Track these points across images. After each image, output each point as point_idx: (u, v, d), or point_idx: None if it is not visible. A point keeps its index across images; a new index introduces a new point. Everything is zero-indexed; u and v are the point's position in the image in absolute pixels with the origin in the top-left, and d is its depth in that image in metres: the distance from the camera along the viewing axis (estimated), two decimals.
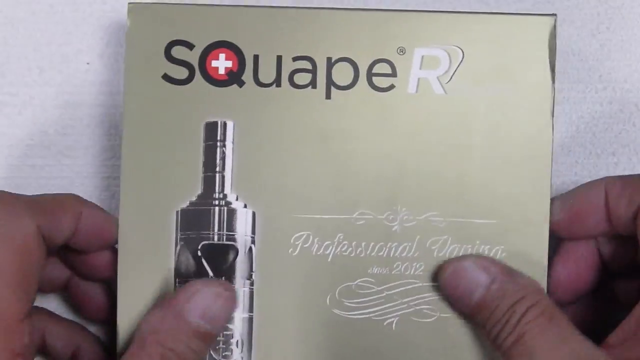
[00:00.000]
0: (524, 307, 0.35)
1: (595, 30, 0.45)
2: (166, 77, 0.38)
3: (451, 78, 0.38)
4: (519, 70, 0.38)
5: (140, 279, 0.38)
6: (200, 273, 0.38)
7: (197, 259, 0.38)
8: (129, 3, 0.38)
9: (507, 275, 0.37)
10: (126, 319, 0.38)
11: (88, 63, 0.43)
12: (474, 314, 0.37)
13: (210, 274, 0.38)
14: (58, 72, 0.44)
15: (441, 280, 0.38)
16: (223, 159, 0.38)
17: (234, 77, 0.38)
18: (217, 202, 0.38)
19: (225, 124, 0.38)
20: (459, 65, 0.38)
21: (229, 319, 0.37)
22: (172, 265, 0.38)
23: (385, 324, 0.39)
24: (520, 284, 0.36)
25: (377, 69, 0.38)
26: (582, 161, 0.43)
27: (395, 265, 0.39)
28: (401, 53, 0.38)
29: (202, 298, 0.35)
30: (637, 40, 0.45)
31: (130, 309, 0.38)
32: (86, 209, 0.38)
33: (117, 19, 0.43)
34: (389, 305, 0.39)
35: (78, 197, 0.38)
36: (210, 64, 0.38)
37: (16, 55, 0.44)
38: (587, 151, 0.44)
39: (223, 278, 0.38)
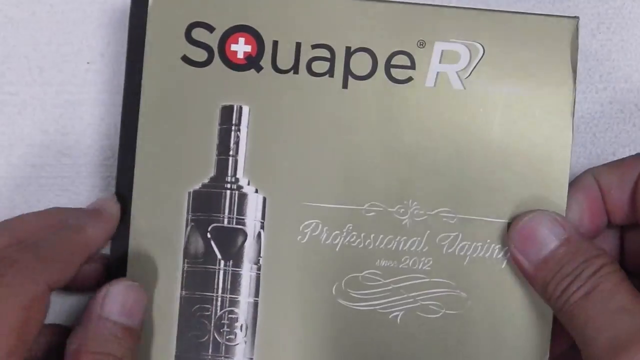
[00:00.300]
0: (598, 264, 0.35)
1: (596, 30, 0.44)
2: (185, 59, 0.38)
3: (470, 73, 0.38)
4: (539, 69, 0.38)
5: (150, 258, 0.38)
6: (209, 255, 0.38)
7: (206, 241, 0.38)
8: None
9: (582, 235, 0.37)
10: None
11: (88, 62, 0.43)
12: (539, 268, 0.37)
13: (219, 256, 0.38)
14: (58, 72, 0.44)
15: (514, 229, 0.38)
16: (237, 142, 0.38)
17: (252, 62, 0.38)
18: (228, 186, 0.38)
19: (240, 108, 0.38)
20: (479, 61, 0.38)
21: (144, 309, 0.37)
22: (182, 246, 0.38)
23: (390, 317, 0.38)
24: (594, 245, 0.36)
25: (395, 60, 0.38)
26: (583, 161, 0.43)
27: (403, 259, 0.38)
28: (421, 46, 0.38)
29: (115, 297, 0.36)
30: (637, 40, 0.44)
31: None
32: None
33: (118, 18, 0.43)
34: (394, 298, 0.38)
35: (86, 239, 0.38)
36: (230, 47, 0.38)
37: (16, 55, 0.44)
38: (587, 151, 0.43)
39: (231, 262, 0.38)
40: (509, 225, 0.38)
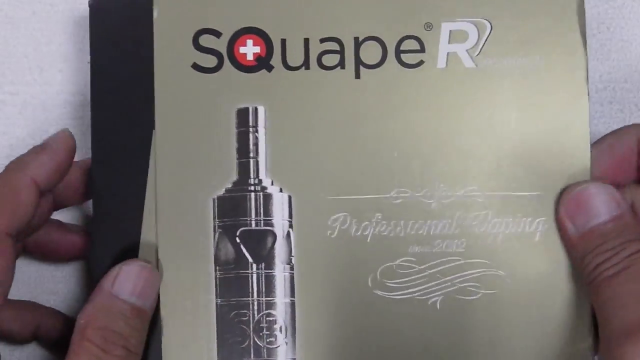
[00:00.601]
0: (638, 246, 0.35)
1: (596, 30, 0.44)
2: (195, 66, 0.38)
3: (480, 50, 0.38)
4: (549, 38, 0.38)
5: (180, 269, 0.38)
6: (240, 259, 0.38)
7: (236, 246, 0.38)
8: None
9: (633, 215, 0.37)
10: (170, 309, 0.38)
11: (89, 62, 0.43)
12: (583, 237, 0.36)
13: (250, 260, 0.38)
14: (59, 72, 0.44)
15: (569, 194, 0.37)
16: (256, 144, 0.38)
17: (262, 62, 0.38)
18: (252, 188, 0.38)
19: (256, 110, 0.38)
20: (487, 38, 0.38)
21: (157, 292, 0.37)
22: (212, 253, 0.38)
23: (429, 303, 0.38)
24: None
25: (405, 45, 0.38)
26: None
27: (435, 243, 0.38)
28: (428, 29, 0.38)
29: (127, 276, 0.36)
30: (637, 40, 0.44)
31: (172, 298, 0.38)
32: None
33: None
34: (432, 284, 0.38)
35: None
36: (239, 50, 0.38)
37: (17, 55, 0.44)
38: None
39: (263, 264, 0.38)
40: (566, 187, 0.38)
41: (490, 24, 0.38)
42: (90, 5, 0.39)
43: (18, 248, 0.39)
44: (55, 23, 0.44)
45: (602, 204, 0.37)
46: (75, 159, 0.39)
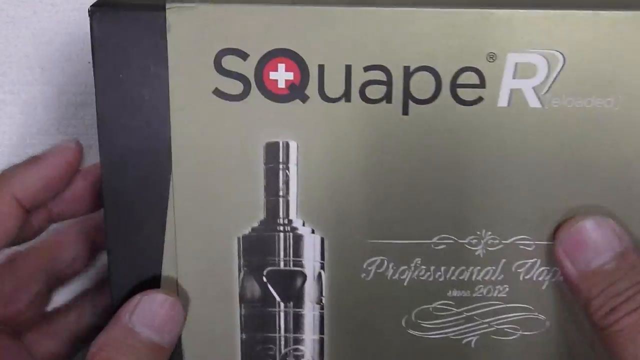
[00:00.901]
0: None
1: None
2: (218, 92, 0.33)
3: (549, 88, 0.33)
4: (633, 77, 0.33)
5: (203, 307, 0.36)
6: (267, 298, 0.36)
7: (263, 285, 0.36)
8: (168, 4, 0.32)
9: (638, 250, 0.34)
10: (192, 345, 0.36)
11: (89, 62, 0.39)
12: (585, 279, 0.34)
13: (277, 298, 0.36)
14: (60, 71, 0.42)
15: (566, 229, 0.34)
16: (287, 182, 0.34)
17: (296, 91, 0.33)
18: (281, 228, 0.35)
19: (288, 145, 0.34)
20: (559, 73, 0.33)
21: (178, 328, 0.35)
22: (236, 292, 0.36)
23: (464, 342, 0.36)
24: None
25: (462, 79, 0.33)
26: None
27: (477, 288, 0.36)
28: (491, 60, 0.33)
29: (146, 307, 0.34)
30: None
31: (195, 336, 0.36)
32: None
33: None
34: (468, 325, 0.36)
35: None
36: (268, 76, 0.33)
37: (18, 54, 0.42)
38: None
39: (291, 303, 0.36)
40: (562, 223, 0.35)
41: (564, 57, 0.32)
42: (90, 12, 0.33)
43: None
44: (56, 23, 0.42)
45: (602, 241, 0.33)
46: None
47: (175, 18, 0.32)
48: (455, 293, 0.36)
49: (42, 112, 0.43)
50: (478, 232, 0.35)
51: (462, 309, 0.36)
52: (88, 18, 0.33)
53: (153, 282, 0.36)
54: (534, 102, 0.33)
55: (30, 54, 0.42)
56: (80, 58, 0.42)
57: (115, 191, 0.34)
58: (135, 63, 0.33)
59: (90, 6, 0.32)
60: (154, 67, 0.33)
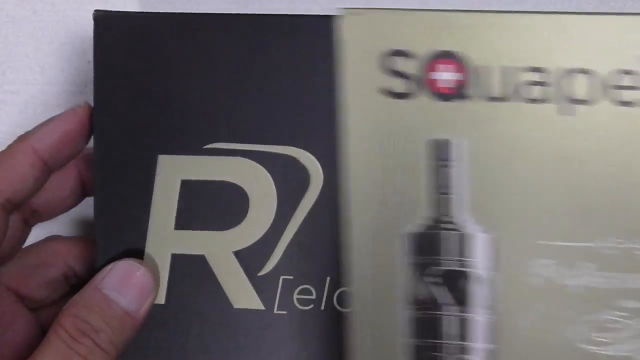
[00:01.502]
0: None
1: None
2: (383, 91, 0.35)
3: None
4: None
5: (371, 306, 0.35)
6: (436, 300, 0.35)
7: (433, 286, 0.35)
8: (343, 9, 0.35)
9: None
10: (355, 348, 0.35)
11: (90, 62, 0.41)
12: None
13: (448, 301, 0.35)
14: (60, 71, 0.43)
15: None
16: (456, 179, 0.35)
17: (459, 91, 0.35)
18: (452, 226, 0.35)
19: (456, 143, 0.35)
20: None
21: (148, 297, 0.36)
22: (402, 291, 0.35)
23: None
24: None
25: (622, 80, 0.35)
26: None
27: None
28: None
29: (118, 272, 0.36)
30: None
31: (357, 336, 0.35)
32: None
33: None
34: None
35: None
36: (433, 76, 0.35)
37: (18, 54, 0.43)
38: None
39: (461, 307, 0.35)
40: None
41: None
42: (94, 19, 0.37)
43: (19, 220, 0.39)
44: (56, 22, 0.43)
45: None
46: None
47: (349, 20, 0.35)
48: (631, 304, 0.34)
49: (42, 112, 0.43)
50: None
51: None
52: (88, 17, 0.36)
53: (136, 254, 0.37)
54: None
55: (30, 53, 0.43)
56: (80, 57, 0.43)
57: (105, 171, 0.37)
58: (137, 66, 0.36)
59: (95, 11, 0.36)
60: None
